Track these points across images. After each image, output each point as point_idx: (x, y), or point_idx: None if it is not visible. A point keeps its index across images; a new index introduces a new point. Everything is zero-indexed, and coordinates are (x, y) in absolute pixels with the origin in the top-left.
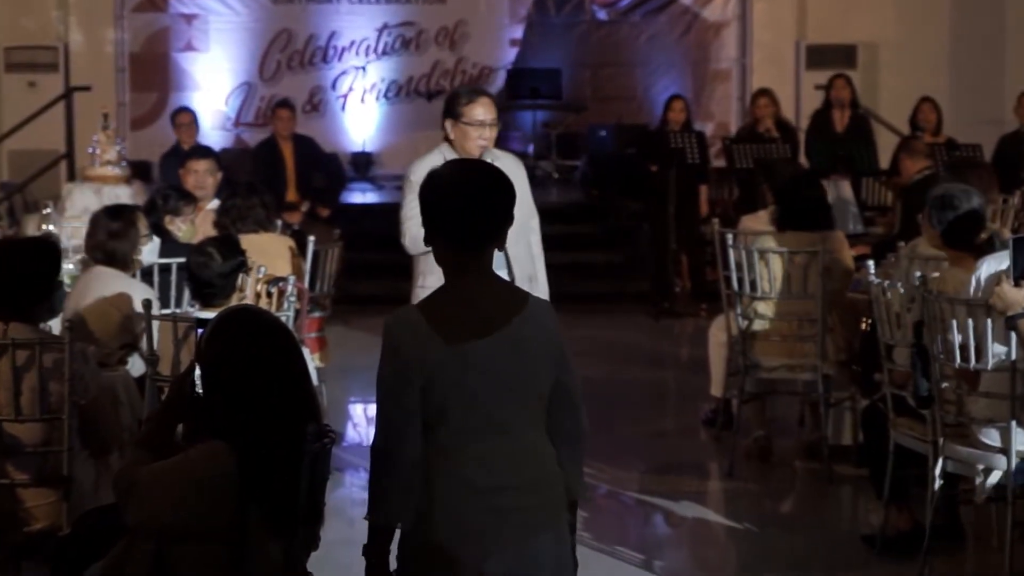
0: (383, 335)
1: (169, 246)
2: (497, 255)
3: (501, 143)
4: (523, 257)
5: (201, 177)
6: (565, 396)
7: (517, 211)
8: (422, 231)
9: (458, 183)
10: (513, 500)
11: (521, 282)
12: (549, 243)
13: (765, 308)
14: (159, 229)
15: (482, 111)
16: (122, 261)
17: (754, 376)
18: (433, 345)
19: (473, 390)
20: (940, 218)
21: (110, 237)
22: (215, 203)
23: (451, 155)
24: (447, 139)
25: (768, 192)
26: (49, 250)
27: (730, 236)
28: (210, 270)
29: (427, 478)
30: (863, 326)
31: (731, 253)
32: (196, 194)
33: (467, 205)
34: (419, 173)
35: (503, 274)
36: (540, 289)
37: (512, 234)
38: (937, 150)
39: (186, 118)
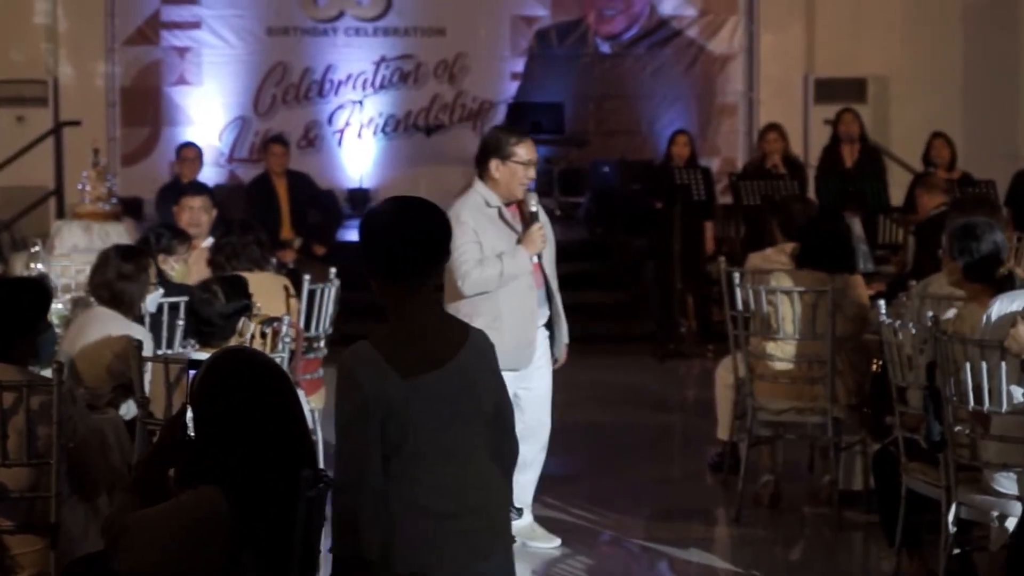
0: (339, 372)
1: (161, 286)
2: (539, 293)
3: None
4: (556, 295)
5: (196, 214)
6: (502, 421)
7: (548, 255)
8: (487, 272)
9: (402, 221)
10: (467, 524)
11: (558, 320)
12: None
13: (774, 349)
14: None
15: (530, 150)
16: (128, 304)
17: (762, 419)
18: (390, 379)
19: (427, 420)
20: (963, 247)
21: (120, 277)
22: (209, 241)
23: (491, 195)
24: (481, 178)
25: (777, 229)
26: (37, 290)
27: (737, 275)
28: (212, 308)
29: (384, 508)
30: (874, 368)
31: (738, 292)
32: (190, 231)
33: (413, 242)
34: (467, 213)
35: (544, 311)
36: (564, 327)
37: (552, 271)
38: (952, 186)
39: (191, 153)
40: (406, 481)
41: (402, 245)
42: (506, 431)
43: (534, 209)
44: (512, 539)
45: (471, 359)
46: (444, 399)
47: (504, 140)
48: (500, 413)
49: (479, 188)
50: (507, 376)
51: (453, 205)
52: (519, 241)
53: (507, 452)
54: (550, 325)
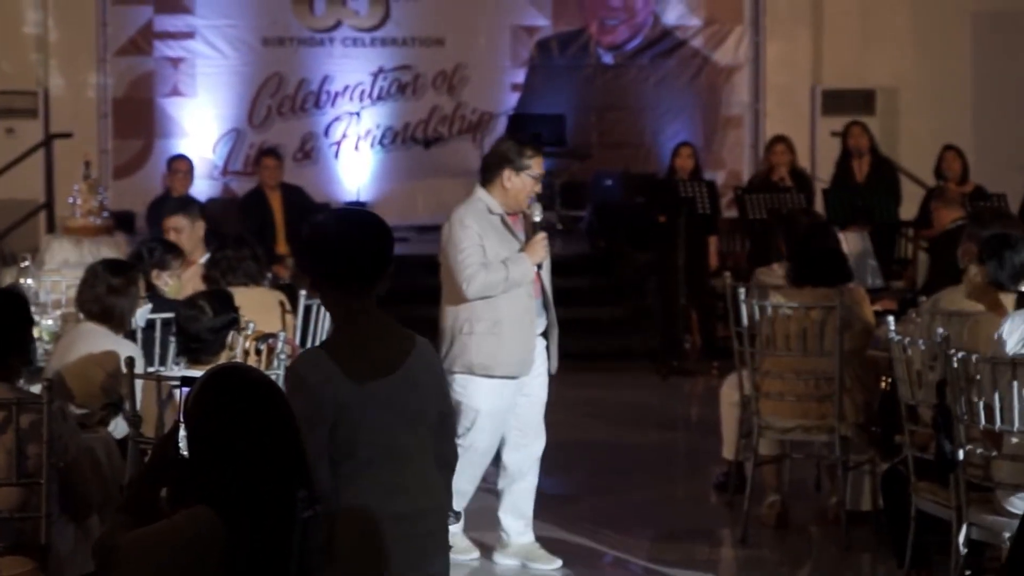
0: (288, 377)
1: (154, 301)
2: (537, 301)
3: None
4: (552, 304)
5: (178, 237)
6: (445, 428)
7: (546, 264)
8: (492, 276)
9: (349, 230)
10: (414, 527)
11: (553, 330)
12: (553, 296)
13: (780, 366)
14: (145, 283)
15: (541, 164)
16: (118, 319)
17: (768, 438)
18: (343, 384)
19: (380, 425)
20: (995, 254)
21: (110, 292)
22: (206, 257)
23: (493, 203)
24: (485, 185)
25: (783, 244)
26: (18, 303)
27: (742, 290)
28: (200, 324)
29: (332, 511)
30: (883, 385)
31: (743, 308)
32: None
33: (361, 250)
34: (471, 217)
35: (542, 321)
36: (557, 335)
37: (547, 285)
38: (964, 200)
39: (183, 166)
40: (358, 485)
41: (351, 253)
42: (448, 438)
43: (538, 219)
44: (449, 544)
45: (419, 366)
46: (395, 404)
47: (521, 152)
48: (444, 420)
49: (482, 195)
50: (507, 385)
51: (456, 211)
52: (522, 249)
53: (449, 456)
54: (546, 335)
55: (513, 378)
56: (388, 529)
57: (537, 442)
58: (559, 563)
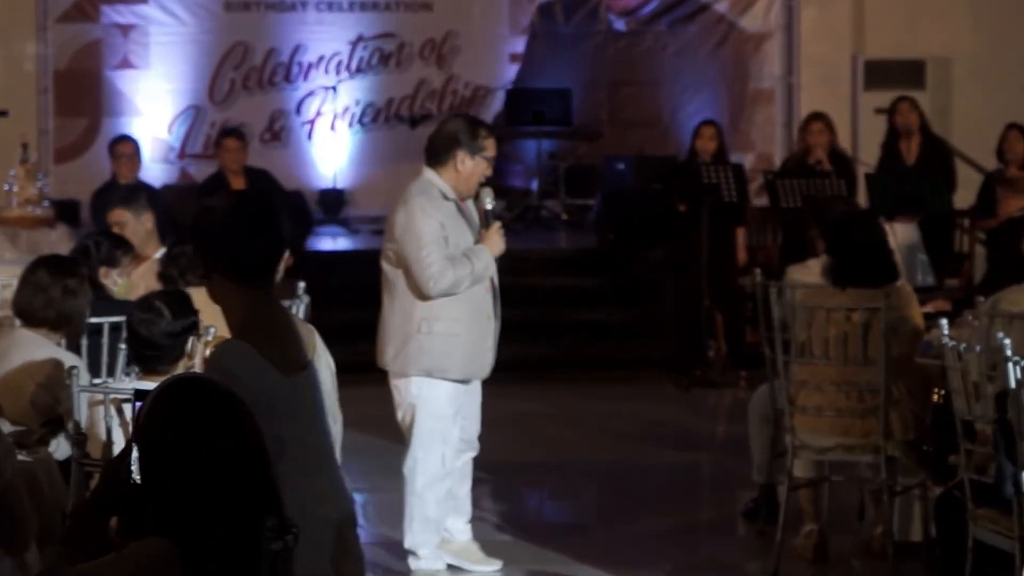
0: (212, 372)
1: (102, 303)
2: (481, 284)
3: (501, 177)
4: (498, 298)
5: (124, 231)
6: (338, 426)
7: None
8: (459, 271)
9: (250, 214)
10: (341, 530)
11: (498, 326)
12: (556, 298)
13: (817, 376)
14: (92, 282)
15: (494, 147)
16: (76, 325)
17: (804, 458)
18: (274, 377)
19: (303, 420)
20: None
21: (66, 294)
22: (162, 252)
23: (447, 188)
24: (433, 167)
25: (818, 237)
26: None
27: (774, 290)
28: (156, 328)
29: None
30: (935, 398)
31: (775, 310)
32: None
33: (269, 234)
34: (435, 213)
35: (491, 301)
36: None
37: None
38: None
39: (127, 148)
40: (293, 488)
41: (256, 240)
42: (338, 439)
43: (490, 206)
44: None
45: (320, 360)
46: (312, 399)
47: (475, 132)
48: (335, 420)
49: (433, 179)
50: (458, 388)
51: (410, 195)
52: (478, 241)
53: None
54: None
55: (465, 382)
56: (321, 533)
57: (473, 448)
58: (499, 565)
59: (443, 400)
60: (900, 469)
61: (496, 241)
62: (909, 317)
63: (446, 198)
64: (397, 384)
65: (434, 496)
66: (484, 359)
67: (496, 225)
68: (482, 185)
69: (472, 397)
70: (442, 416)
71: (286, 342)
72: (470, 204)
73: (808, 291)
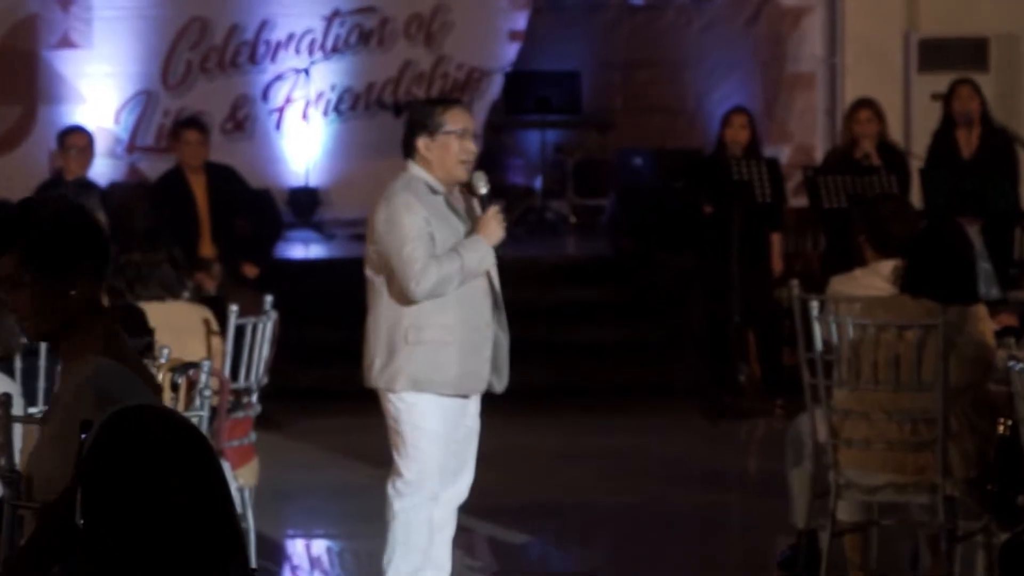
0: (91, 396)
1: None
2: (478, 286)
3: (500, 174)
4: (501, 303)
5: None
6: None
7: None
8: (446, 268)
9: (79, 209)
10: None
11: (501, 339)
12: (563, 314)
13: (865, 404)
14: None
15: (462, 117)
16: (6, 343)
17: (850, 499)
18: (148, 397)
19: None
20: None
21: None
22: None
23: (432, 180)
24: (412, 159)
25: (867, 243)
26: None
27: (816, 304)
28: None
29: None
30: (1000, 429)
31: (817, 328)
32: None
33: (106, 237)
34: (419, 208)
35: (489, 306)
36: (506, 347)
37: (495, 274)
38: None
39: (79, 140)
40: None
41: (107, 239)
42: None
43: (484, 191)
44: None
45: None
46: None
47: (428, 111)
48: None
49: (417, 172)
50: (456, 404)
51: (393, 191)
52: (471, 231)
53: None
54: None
55: (462, 397)
56: None
57: (463, 479)
58: None
59: (435, 418)
60: (960, 511)
61: (493, 228)
62: (975, 335)
63: (434, 192)
64: (385, 401)
65: (421, 522)
66: (479, 372)
67: (493, 210)
68: (475, 170)
69: (471, 420)
70: (434, 436)
71: (141, 364)
72: (462, 198)
73: (855, 306)
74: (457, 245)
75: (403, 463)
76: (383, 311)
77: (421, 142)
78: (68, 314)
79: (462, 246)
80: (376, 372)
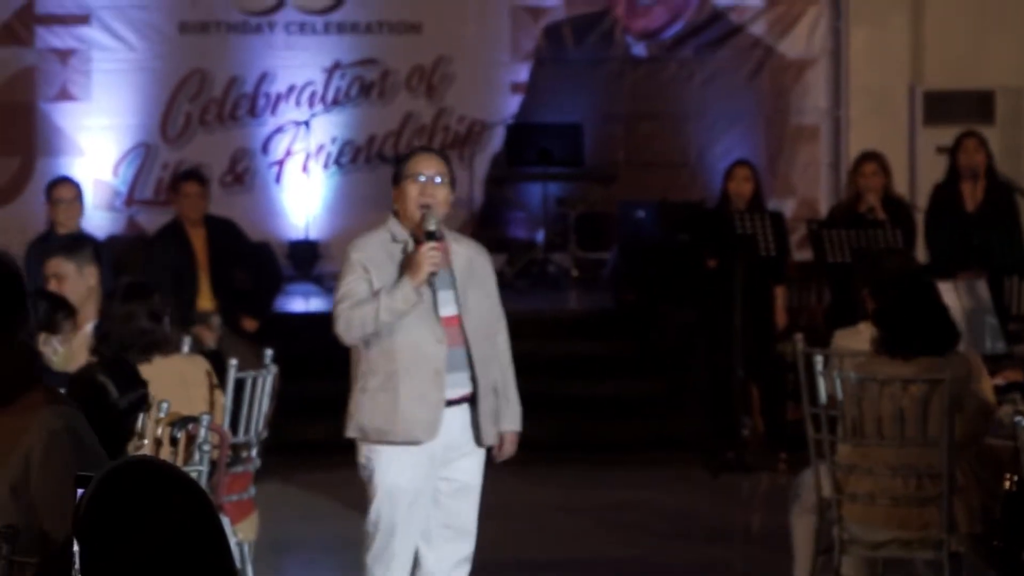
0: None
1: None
2: (453, 353)
3: (502, 227)
4: (490, 360)
5: (57, 286)
6: None
7: (480, 308)
8: (360, 309)
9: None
10: None
11: (485, 393)
12: (564, 368)
13: (869, 459)
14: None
15: (423, 163)
16: None
17: (854, 555)
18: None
19: None
20: None
21: None
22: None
23: (399, 228)
24: (395, 214)
25: (868, 297)
26: None
27: (819, 358)
28: (100, 405)
29: None
30: (1006, 485)
31: (821, 382)
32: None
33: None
34: (362, 250)
35: (463, 377)
36: (515, 410)
37: (481, 328)
38: None
39: (67, 193)
40: None
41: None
42: None
43: (432, 228)
44: None
45: None
46: None
47: (397, 163)
48: None
49: (389, 223)
50: (411, 453)
51: (356, 240)
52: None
53: None
54: (474, 401)
55: (413, 443)
56: None
57: (462, 542)
58: None
59: (392, 470)
60: (965, 567)
61: (417, 263)
62: (977, 390)
63: (395, 240)
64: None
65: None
66: (428, 419)
67: (428, 245)
68: (428, 206)
69: (452, 480)
70: (393, 489)
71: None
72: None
73: (859, 360)
74: (382, 288)
75: (368, 524)
76: (352, 359)
77: (394, 194)
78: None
79: (385, 287)
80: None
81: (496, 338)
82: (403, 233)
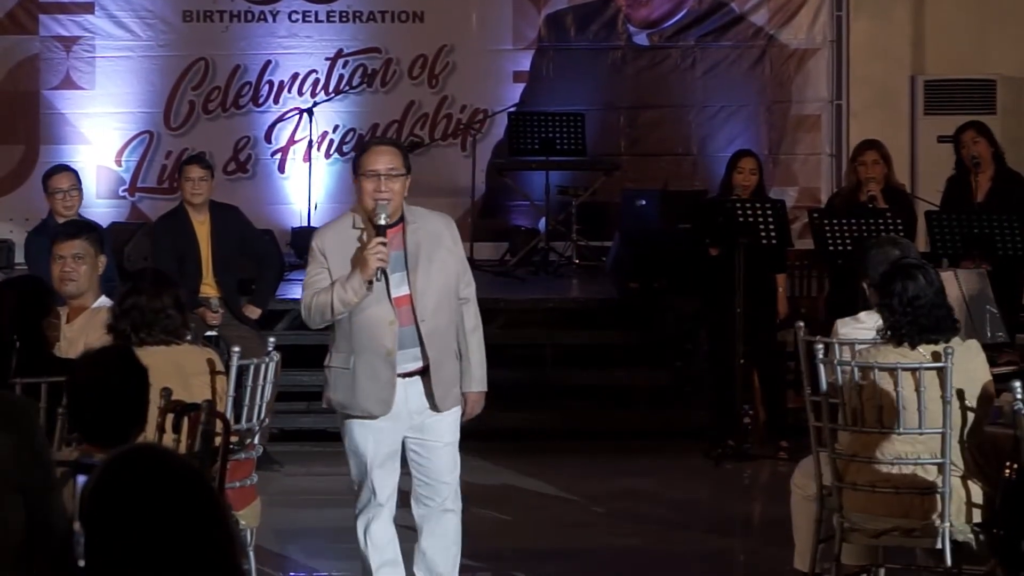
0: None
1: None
2: (404, 331)
3: (504, 215)
4: (444, 332)
5: (75, 267)
6: None
7: (435, 282)
8: (319, 298)
9: None
10: None
11: (440, 363)
12: (566, 357)
13: (870, 447)
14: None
15: (375, 159)
16: None
17: (855, 543)
18: None
19: None
20: None
21: None
22: (102, 301)
23: (359, 218)
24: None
25: (868, 286)
26: None
27: (821, 347)
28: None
29: None
30: (1007, 473)
31: (822, 370)
32: (64, 288)
33: None
34: (320, 237)
35: (415, 352)
36: (475, 373)
37: (430, 305)
38: None
39: (64, 181)
40: None
41: None
42: None
43: (381, 222)
44: None
45: None
46: None
47: (357, 154)
48: None
49: (353, 211)
50: (368, 426)
51: (319, 229)
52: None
53: None
54: (426, 374)
55: (370, 417)
56: None
57: (442, 487)
58: None
59: (355, 437)
60: (966, 556)
61: (364, 259)
62: (977, 378)
63: (354, 227)
64: None
65: (375, 531)
66: (380, 396)
67: (375, 240)
68: (380, 203)
69: (423, 440)
70: (359, 454)
71: None
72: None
73: (860, 349)
74: (338, 277)
75: (354, 483)
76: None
77: (355, 184)
78: None
79: (340, 278)
80: None
81: (459, 307)
82: (361, 220)
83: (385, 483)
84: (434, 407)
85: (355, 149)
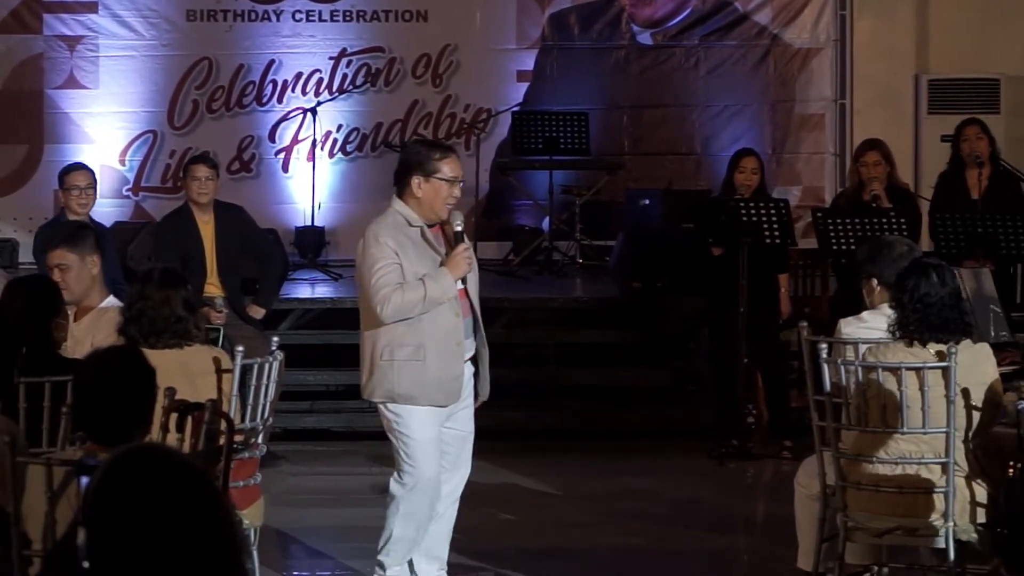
0: None
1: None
2: (466, 322)
3: (507, 215)
4: (480, 326)
5: (61, 276)
6: None
7: (474, 271)
8: (408, 295)
9: None
10: None
11: (481, 353)
12: (569, 356)
13: (874, 447)
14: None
15: (455, 167)
16: None
17: (859, 542)
18: None
19: None
20: None
21: None
22: (109, 302)
23: (411, 214)
24: (401, 196)
25: (872, 285)
26: None
27: (824, 346)
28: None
29: None
30: (1010, 472)
31: (826, 370)
32: (68, 294)
33: None
34: (386, 232)
35: (470, 343)
36: (486, 360)
37: (477, 299)
38: None
39: (82, 179)
40: None
41: None
42: None
43: (459, 228)
44: None
45: None
46: None
47: (427, 155)
48: None
49: (398, 207)
50: (434, 413)
51: (370, 225)
52: (442, 263)
53: None
54: (476, 361)
55: (439, 406)
56: None
57: (457, 475)
58: None
59: (419, 427)
60: (969, 555)
61: (459, 263)
62: (986, 382)
63: (410, 225)
64: (380, 411)
65: (422, 499)
66: (452, 387)
67: (462, 247)
68: (452, 209)
69: (453, 428)
70: (420, 442)
71: None
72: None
73: (864, 348)
74: (425, 275)
75: (401, 463)
76: (366, 332)
77: (415, 181)
78: None
79: (429, 276)
80: (363, 387)
81: None
82: (417, 219)
83: (435, 465)
84: (476, 395)
85: (417, 147)
